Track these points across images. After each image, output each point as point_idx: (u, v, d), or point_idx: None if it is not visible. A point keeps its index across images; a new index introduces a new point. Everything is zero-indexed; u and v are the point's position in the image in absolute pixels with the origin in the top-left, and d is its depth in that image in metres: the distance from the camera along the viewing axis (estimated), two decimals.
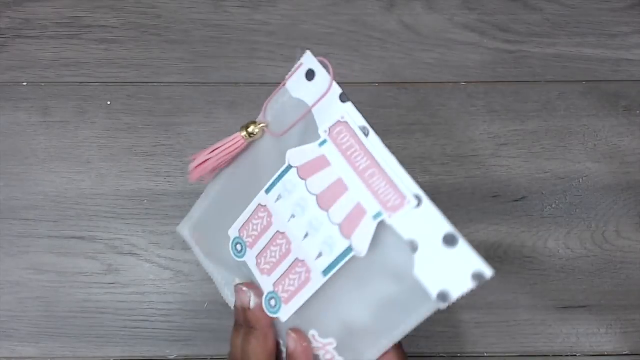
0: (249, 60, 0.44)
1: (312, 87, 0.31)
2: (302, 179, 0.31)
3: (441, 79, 0.44)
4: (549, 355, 0.42)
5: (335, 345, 0.31)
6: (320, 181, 0.30)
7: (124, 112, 0.43)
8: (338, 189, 0.30)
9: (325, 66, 0.30)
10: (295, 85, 0.31)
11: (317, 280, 0.30)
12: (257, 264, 0.33)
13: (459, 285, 0.25)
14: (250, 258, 0.33)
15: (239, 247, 0.34)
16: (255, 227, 0.33)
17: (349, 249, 0.29)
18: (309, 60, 0.31)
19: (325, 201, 0.30)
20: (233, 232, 0.34)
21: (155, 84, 0.44)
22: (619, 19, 0.45)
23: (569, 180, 0.43)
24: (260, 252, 0.33)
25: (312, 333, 0.31)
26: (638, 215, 0.43)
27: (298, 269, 0.31)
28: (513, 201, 0.43)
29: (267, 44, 0.44)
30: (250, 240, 0.33)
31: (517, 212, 0.43)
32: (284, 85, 0.31)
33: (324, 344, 0.31)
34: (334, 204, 0.30)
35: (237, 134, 0.31)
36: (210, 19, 0.44)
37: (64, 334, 0.41)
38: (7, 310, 0.41)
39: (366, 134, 0.29)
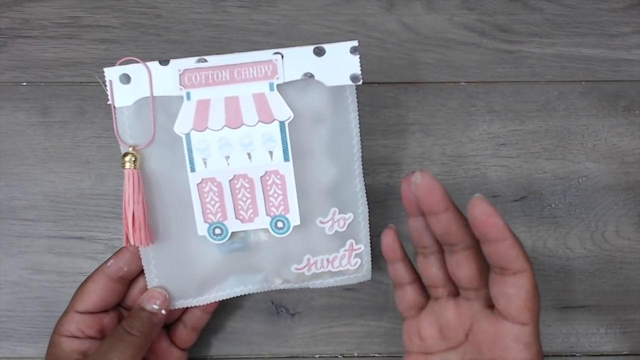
0: None
1: (136, 84, 0.33)
2: (203, 130, 0.33)
3: (441, 79, 0.44)
4: (548, 355, 0.42)
5: (338, 211, 0.35)
6: (217, 115, 0.33)
7: None
8: (232, 104, 0.33)
9: (126, 62, 0.33)
10: (122, 97, 0.33)
11: (288, 171, 0.33)
12: (242, 219, 0.34)
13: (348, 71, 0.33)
14: (233, 225, 0.34)
15: (217, 230, 0.34)
16: (212, 202, 0.34)
17: (281, 123, 0.33)
18: (110, 72, 0.33)
19: (234, 121, 0.33)
20: (202, 228, 0.34)
21: None
22: (619, 19, 0.45)
23: (569, 180, 0.43)
24: (235, 209, 0.34)
25: (333, 210, 0.35)
26: (638, 215, 0.43)
27: (269, 182, 0.34)
28: (512, 201, 0.43)
29: (267, 44, 0.44)
30: (220, 214, 0.34)
31: (516, 212, 0.43)
32: (115, 108, 0.34)
33: (338, 217, 0.35)
34: (242, 114, 0.33)
35: (127, 170, 0.33)
36: (210, 19, 0.44)
37: None
38: (7, 310, 0.41)
39: (205, 61, 0.33)
